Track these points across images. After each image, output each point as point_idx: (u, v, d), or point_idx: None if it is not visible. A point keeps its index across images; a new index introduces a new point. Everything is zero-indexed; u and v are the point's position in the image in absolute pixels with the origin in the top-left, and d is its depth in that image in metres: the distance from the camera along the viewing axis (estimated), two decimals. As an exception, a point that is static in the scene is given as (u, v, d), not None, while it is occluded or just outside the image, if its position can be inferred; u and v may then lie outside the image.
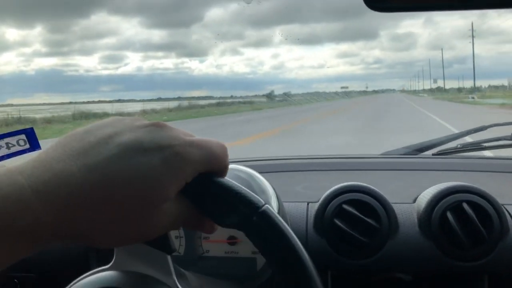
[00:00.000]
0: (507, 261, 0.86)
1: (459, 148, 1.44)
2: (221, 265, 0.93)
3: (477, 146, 1.42)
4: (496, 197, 0.90)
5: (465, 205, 0.86)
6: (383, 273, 0.94)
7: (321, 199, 0.93)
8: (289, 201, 0.99)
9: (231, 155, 0.56)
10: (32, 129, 1.15)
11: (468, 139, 1.48)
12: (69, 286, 0.60)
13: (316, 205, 0.94)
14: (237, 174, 0.90)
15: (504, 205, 0.91)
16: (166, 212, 0.44)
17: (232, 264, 0.93)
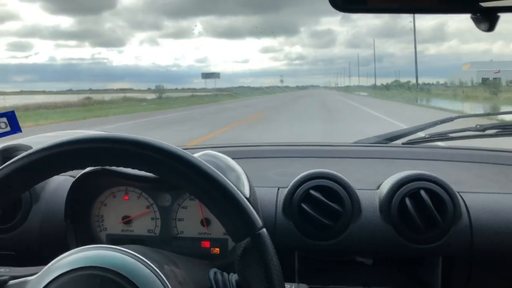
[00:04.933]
0: (459, 243, 0.93)
1: (427, 138, 1.51)
2: (194, 245, 0.98)
3: (444, 136, 1.49)
4: (455, 185, 0.96)
5: (422, 192, 0.93)
6: (345, 255, 1.00)
7: (290, 184, 0.99)
8: (260, 186, 1.05)
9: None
10: (13, 112, 1.18)
11: (436, 130, 1.55)
12: (54, 260, 0.63)
13: (286, 190, 0.99)
14: (211, 160, 0.95)
15: (460, 193, 0.98)
16: None
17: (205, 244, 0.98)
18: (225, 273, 0.80)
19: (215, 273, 0.80)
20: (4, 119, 1.16)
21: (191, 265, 0.83)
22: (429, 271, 1.00)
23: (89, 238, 0.99)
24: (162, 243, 0.98)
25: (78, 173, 1.03)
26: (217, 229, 0.98)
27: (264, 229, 0.61)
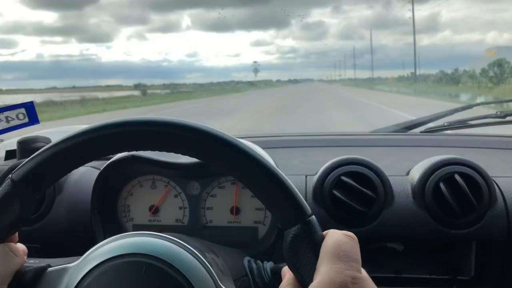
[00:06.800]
0: (494, 228, 0.91)
1: (446, 125, 1.49)
2: (224, 234, 0.96)
3: (463, 124, 1.47)
4: (486, 170, 0.94)
5: (457, 177, 0.91)
6: (378, 242, 0.98)
7: (320, 171, 0.97)
8: (288, 174, 1.03)
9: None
10: (32, 103, 1.15)
11: (454, 118, 1.53)
12: (95, 247, 0.61)
13: (315, 178, 0.97)
14: None
15: (493, 177, 0.96)
16: None
17: (235, 233, 0.96)
18: (258, 261, 0.79)
19: (248, 261, 0.78)
20: (23, 110, 1.14)
21: (226, 253, 0.82)
22: (462, 257, 0.98)
23: (115, 228, 0.97)
24: (191, 233, 0.96)
25: (100, 163, 1.01)
26: (247, 218, 0.96)
27: (313, 216, 0.59)
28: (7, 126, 1.13)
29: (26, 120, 1.14)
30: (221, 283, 0.59)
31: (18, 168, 0.58)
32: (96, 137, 0.59)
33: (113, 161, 0.91)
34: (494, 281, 0.95)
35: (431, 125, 1.52)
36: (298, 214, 0.58)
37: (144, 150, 0.62)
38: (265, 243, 0.94)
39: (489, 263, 0.94)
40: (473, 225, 0.91)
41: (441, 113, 1.56)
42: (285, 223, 0.58)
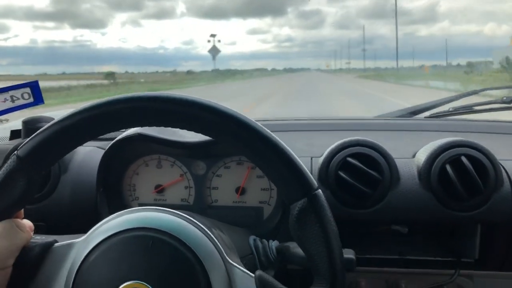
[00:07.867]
0: (500, 210, 0.91)
1: (451, 111, 1.49)
2: (229, 214, 0.96)
3: (468, 109, 1.46)
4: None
5: (463, 158, 0.90)
6: (383, 224, 0.98)
7: (326, 152, 0.97)
8: None
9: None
10: (37, 82, 1.15)
11: (460, 103, 1.52)
12: (102, 222, 0.61)
13: (321, 159, 0.97)
14: None
15: (500, 160, 0.96)
16: None
17: (240, 213, 0.96)
18: (264, 240, 0.79)
19: (254, 239, 0.79)
20: (28, 89, 1.13)
21: (232, 232, 0.82)
22: (466, 239, 0.98)
23: (121, 207, 0.97)
24: (196, 212, 0.96)
25: (106, 143, 1.01)
26: (252, 198, 0.96)
27: (320, 190, 0.59)
28: (12, 106, 1.13)
29: (31, 99, 1.14)
30: (228, 258, 0.60)
31: (24, 145, 0.58)
32: (103, 113, 0.58)
33: (119, 140, 0.91)
34: (497, 263, 0.96)
35: (436, 110, 1.52)
36: (304, 188, 0.58)
37: (152, 126, 0.62)
38: (270, 223, 0.94)
39: (493, 246, 0.94)
40: (479, 207, 0.91)
41: (446, 98, 1.55)
42: (291, 197, 0.58)
